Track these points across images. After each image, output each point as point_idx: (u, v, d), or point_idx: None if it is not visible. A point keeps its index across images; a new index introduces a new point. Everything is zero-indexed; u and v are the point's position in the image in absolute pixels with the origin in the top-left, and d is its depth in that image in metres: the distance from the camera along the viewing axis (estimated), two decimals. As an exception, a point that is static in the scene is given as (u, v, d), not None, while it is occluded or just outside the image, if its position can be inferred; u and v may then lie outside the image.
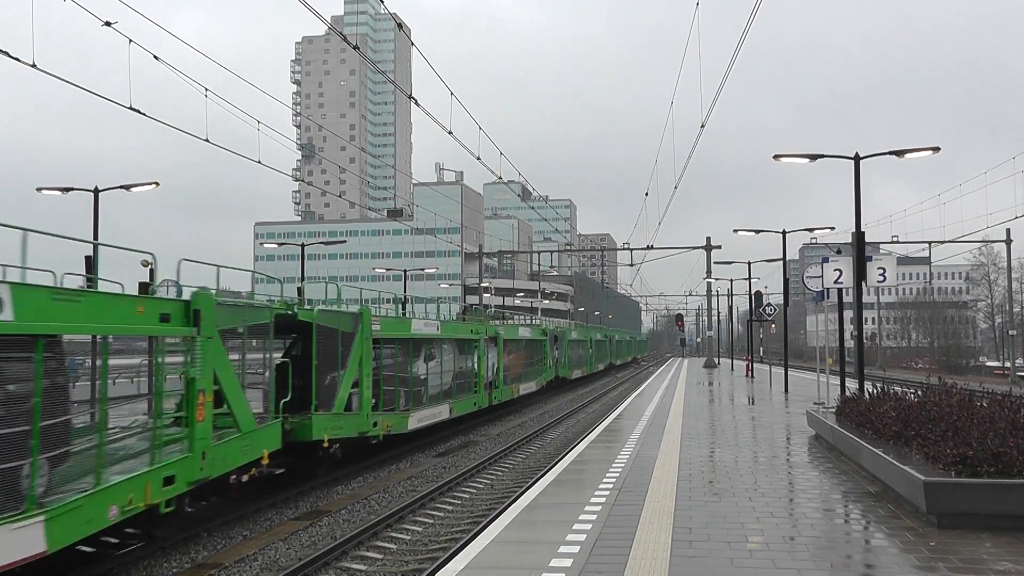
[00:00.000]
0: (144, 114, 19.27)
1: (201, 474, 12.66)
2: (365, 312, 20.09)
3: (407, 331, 23.77)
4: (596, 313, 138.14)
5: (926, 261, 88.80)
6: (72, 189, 26.04)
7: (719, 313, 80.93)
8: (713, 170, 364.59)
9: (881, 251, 42.33)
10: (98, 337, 11.33)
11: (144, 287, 12.80)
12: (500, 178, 41.29)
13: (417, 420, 23.21)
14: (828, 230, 38.28)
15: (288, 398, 16.05)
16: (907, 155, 20.09)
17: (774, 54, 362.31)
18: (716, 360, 65.10)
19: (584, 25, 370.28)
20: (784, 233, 35.60)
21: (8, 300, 9.05)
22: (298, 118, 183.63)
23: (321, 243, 52.98)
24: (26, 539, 8.92)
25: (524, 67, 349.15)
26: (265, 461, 15.05)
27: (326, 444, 17.54)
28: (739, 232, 39.67)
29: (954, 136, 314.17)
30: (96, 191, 24.55)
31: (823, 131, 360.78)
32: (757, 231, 38.92)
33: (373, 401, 20.02)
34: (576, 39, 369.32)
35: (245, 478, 14.99)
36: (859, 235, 18.07)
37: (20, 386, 9.51)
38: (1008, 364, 65.32)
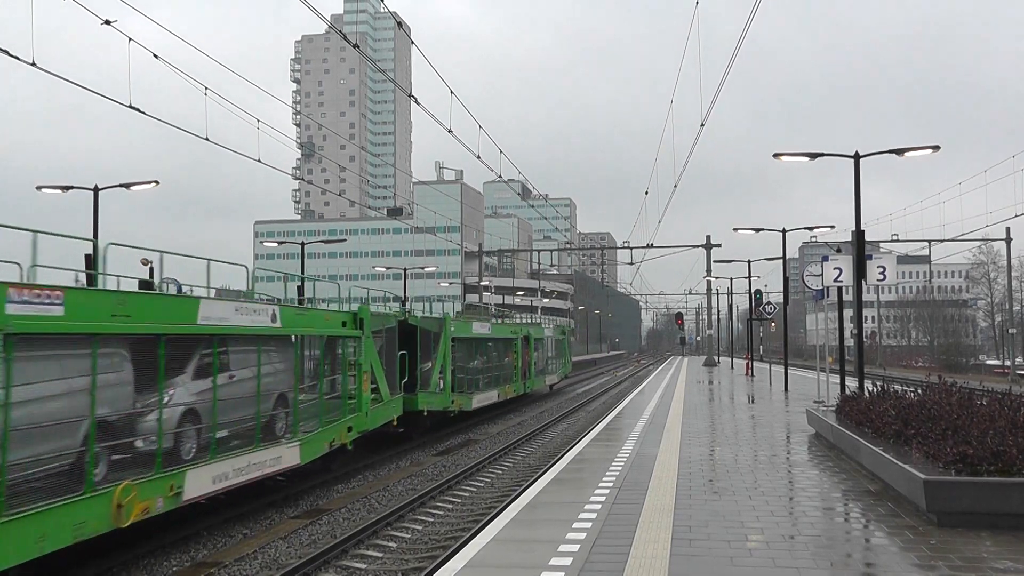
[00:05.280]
0: (144, 112, 19.27)
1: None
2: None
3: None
4: (596, 312, 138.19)
5: (926, 260, 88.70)
6: (72, 187, 26.03)
7: (719, 312, 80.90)
8: (712, 169, 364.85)
9: (881, 250, 42.29)
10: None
11: (145, 285, 12.80)
12: (500, 177, 41.31)
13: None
14: (828, 229, 38.25)
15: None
16: (907, 153, 20.07)
17: (763, 53, 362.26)
18: (716, 359, 65.11)
19: (583, 24, 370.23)
20: (784, 232, 35.58)
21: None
22: (298, 117, 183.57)
23: (321, 242, 52.92)
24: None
25: (521, 66, 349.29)
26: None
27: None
28: (739, 231, 39.60)
29: (942, 137, 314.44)
30: (96, 189, 24.55)
31: (810, 131, 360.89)
32: (757, 230, 38.87)
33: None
34: (576, 38, 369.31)
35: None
36: (859, 233, 18.05)
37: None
38: (1008, 362, 65.33)
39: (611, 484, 11.36)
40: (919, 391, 13.53)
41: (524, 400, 39.83)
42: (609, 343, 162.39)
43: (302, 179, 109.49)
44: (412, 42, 27.40)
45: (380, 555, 12.43)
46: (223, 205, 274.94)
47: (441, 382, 25.49)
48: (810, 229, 38.77)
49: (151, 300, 12.03)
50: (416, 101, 22.49)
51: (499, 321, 38.78)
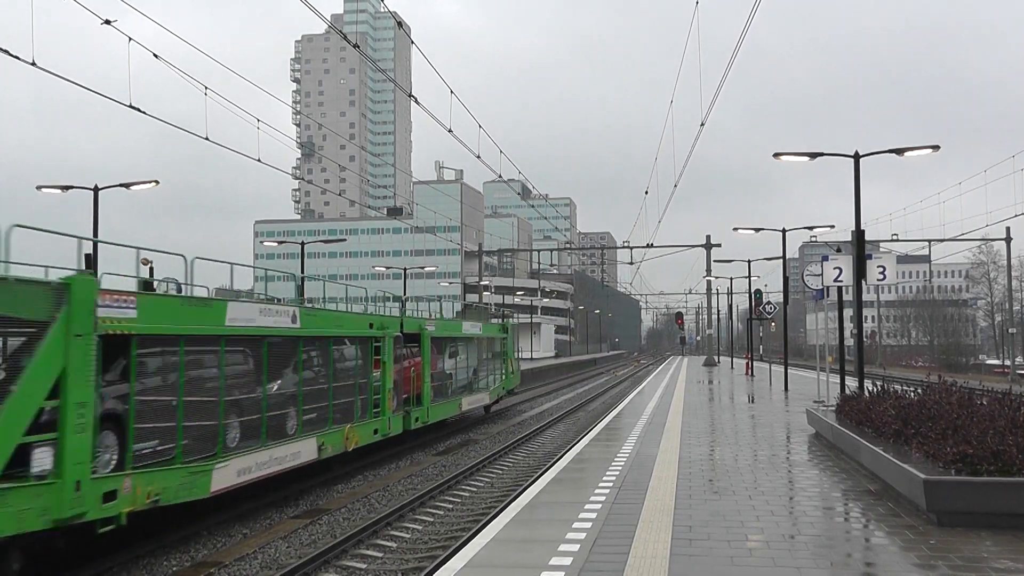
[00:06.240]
0: (144, 112, 19.29)
1: None
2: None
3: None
4: (596, 312, 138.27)
5: (926, 259, 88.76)
6: (72, 187, 26.06)
7: (719, 311, 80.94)
8: (712, 169, 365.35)
9: (881, 249, 42.31)
10: None
11: (145, 285, 12.79)
12: (500, 176, 41.35)
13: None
14: (828, 228, 38.30)
15: None
16: (907, 153, 20.10)
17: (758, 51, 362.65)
18: (716, 358, 65.14)
19: (583, 24, 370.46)
20: (784, 231, 35.59)
21: None
22: (298, 116, 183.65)
23: (321, 241, 53.07)
24: None
25: (520, 66, 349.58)
26: None
27: None
28: (739, 230, 39.65)
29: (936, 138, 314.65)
30: (96, 189, 24.59)
31: (810, 131, 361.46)
32: (757, 229, 38.90)
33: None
34: (575, 37, 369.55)
35: None
36: (859, 233, 18.06)
37: None
38: (1008, 362, 65.34)
39: (611, 484, 11.36)
40: (919, 391, 13.53)
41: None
42: (609, 343, 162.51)
43: (302, 179, 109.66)
44: (412, 42, 27.44)
45: (380, 555, 12.43)
46: (223, 205, 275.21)
47: (47, 456, 10.00)
48: (810, 229, 38.82)
49: None
50: (416, 101, 22.51)
51: (313, 306, 19.88)
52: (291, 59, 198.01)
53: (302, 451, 16.30)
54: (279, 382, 16.24)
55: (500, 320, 36.64)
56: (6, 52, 15.41)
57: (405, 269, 53.87)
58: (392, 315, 23.34)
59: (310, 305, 19.47)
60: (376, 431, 20.08)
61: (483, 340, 31.75)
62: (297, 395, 16.63)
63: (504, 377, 34.02)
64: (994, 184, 42.15)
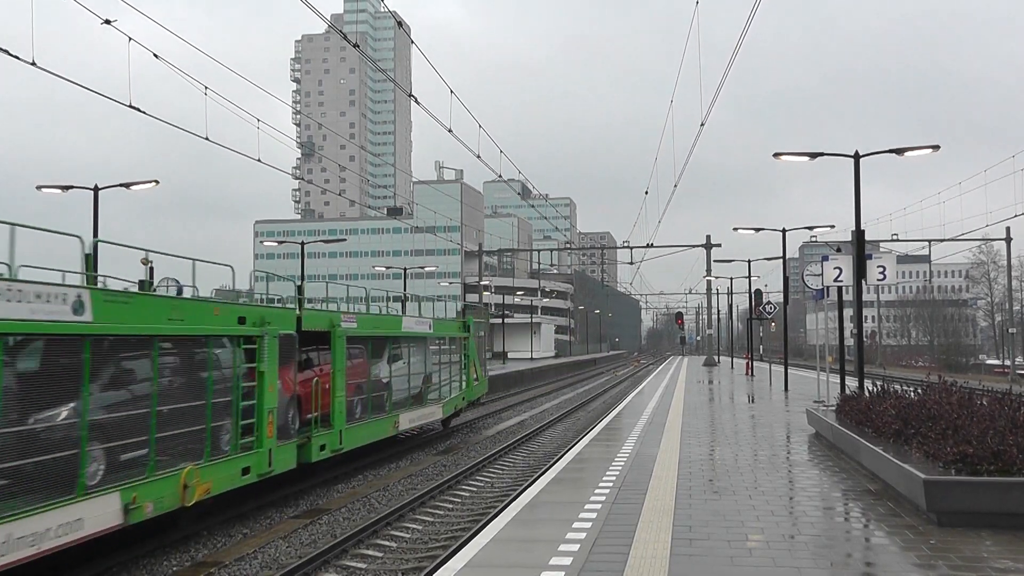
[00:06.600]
0: (144, 112, 19.30)
1: None
2: None
3: None
4: (596, 312, 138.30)
5: (926, 259, 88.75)
6: (72, 187, 26.08)
7: (719, 311, 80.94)
8: (712, 169, 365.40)
9: (881, 249, 42.29)
10: None
11: (145, 285, 12.78)
12: (500, 176, 41.33)
13: None
14: (828, 228, 38.31)
15: None
16: (907, 153, 20.09)
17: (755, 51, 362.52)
18: (716, 358, 65.14)
19: (582, 25, 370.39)
20: (784, 231, 35.58)
21: None
22: (298, 116, 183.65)
23: (321, 241, 53.15)
24: None
25: (520, 67, 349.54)
26: None
27: None
28: (739, 230, 39.64)
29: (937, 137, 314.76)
30: (96, 189, 24.60)
31: (808, 131, 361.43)
32: (757, 229, 38.87)
33: None
34: (575, 36, 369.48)
35: None
36: (859, 233, 18.06)
37: None
38: (1008, 362, 65.35)
39: (611, 484, 11.36)
40: (919, 391, 13.52)
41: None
42: (609, 343, 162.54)
43: (302, 179, 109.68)
44: (412, 41, 27.43)
45: (380, 555, 12.43)
46: (223, 205, 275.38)
47: None
48: (810, 229, 38.82)
49: None
50: (416, 101, 22.50)
51: (125, 291, 12.16)
52: (291, 59, 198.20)
53: (87, 517, 10.09)
54: (46, 411, 10.09)
55: (460, 318, 29.77)
56: (6, 52, 15.42)
57: (405, 269, 53.90)
58: (279, 307, 17.36)
59: (103, 286, 12.09)
60: (247, 470, 13.96)
61: (434, 341, 25.67)
62: (81, 428, 10.22)
63: (465, 386, 27.94)
64: (994, 184, 42.23)
